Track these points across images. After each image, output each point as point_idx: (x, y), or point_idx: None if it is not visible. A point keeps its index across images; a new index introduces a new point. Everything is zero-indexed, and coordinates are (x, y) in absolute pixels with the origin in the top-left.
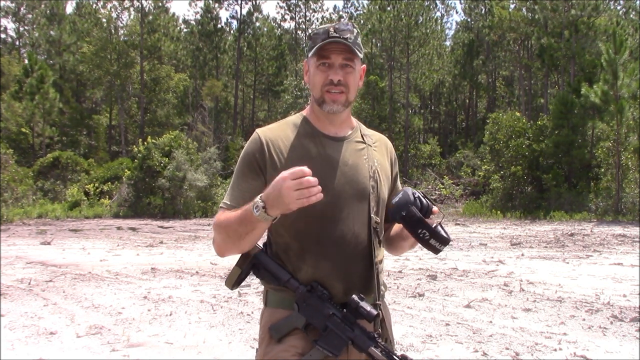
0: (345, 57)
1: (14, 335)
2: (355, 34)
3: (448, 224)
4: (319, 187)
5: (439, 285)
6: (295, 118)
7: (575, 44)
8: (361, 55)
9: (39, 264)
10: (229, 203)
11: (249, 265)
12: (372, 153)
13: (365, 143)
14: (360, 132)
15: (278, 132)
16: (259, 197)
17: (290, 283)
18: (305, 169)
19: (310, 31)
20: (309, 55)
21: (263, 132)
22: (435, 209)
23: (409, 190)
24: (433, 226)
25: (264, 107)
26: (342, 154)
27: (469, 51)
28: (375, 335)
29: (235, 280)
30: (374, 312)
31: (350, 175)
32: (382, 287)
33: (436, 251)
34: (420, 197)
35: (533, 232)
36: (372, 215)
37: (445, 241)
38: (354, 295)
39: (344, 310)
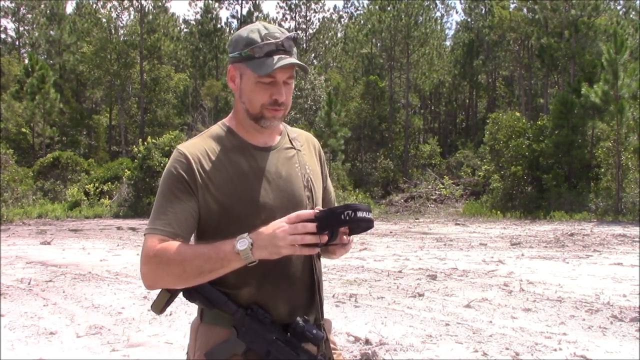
0: (290, 75)
1: (14, 335)
2: (293, 37)
3: (448, 224)
4: (317, 240)
5: (439, 285)
6: (218, 130)
7: (575, 44)
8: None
9: (39, 264)
10: (162, 229)
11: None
12: (303, 158)
13: (294, 149)
14: (288, 136)
15: (203, 148)
16: (245, 234)
17: (228, 306)
18: (302, 213)
19: (245, 34)
20: (247, 67)
21: (187, 150)
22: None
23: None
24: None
25: None
26: (275, 166)
27: (469, 51)
28: (321, 358)
29: (163, 304)
30: (321, 334)
31: (285, 187)
32: (323, 304)
33: (369, 222)
34: (325, 213)
35: (533, 232)
36: None
37: (366, 207)
38: (298, 319)
39: (288, 333)
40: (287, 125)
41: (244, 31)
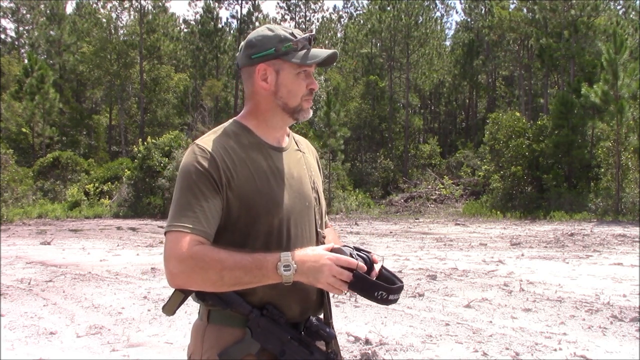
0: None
1: (14, 335)
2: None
3: (448, 224)
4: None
5: (439, 285)
6: (233, 127)
7: (574, 44)
8: None
9: (39, 264)
10: (193, 226)
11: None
12: (308, 161)
13: (300, 151)
14: (294, 139)
15: (222, 144)
16: (289, 256)
17: (243, 307)
18: (351, 262)
19: (270, 33)
20: (287, 60)
21: (209, 146)
22: (374, 257)
23: (346, 250)
24: (378, 273)
25: None
26: (288, 166)
27: (469, 51)
28: (332, 356)
29: (176, 306)
30: (333, 333)
31: (297, 188)
32: (331, 303)
33: (393, 302)
34: (358, 253)
35: (533, 232)
36: (318, 229)
37: (399, 289)
38: (311, 318)
39: (301, 332)
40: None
41: (266, 31)
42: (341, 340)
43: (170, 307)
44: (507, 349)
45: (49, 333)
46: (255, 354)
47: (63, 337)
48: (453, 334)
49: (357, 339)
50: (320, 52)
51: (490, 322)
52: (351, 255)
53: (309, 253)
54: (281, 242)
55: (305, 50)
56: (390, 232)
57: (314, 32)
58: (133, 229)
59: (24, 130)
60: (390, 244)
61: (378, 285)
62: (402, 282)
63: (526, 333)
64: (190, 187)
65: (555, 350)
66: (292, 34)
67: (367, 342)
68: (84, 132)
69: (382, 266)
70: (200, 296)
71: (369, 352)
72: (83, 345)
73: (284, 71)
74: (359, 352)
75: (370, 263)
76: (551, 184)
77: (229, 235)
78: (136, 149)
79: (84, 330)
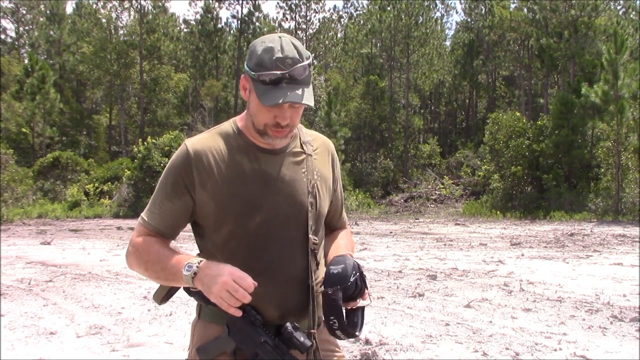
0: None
1: (14, 335)
2: (308, 64)
3: (448, 224)
4: (243, 300)
5: (439, 285)
6: (228, 128)
7: (575, 44)
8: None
9: (39, 264)
10: (147, 221)
11: None
12: (312, 163)
13: (305, 153)
14: (300, 139)
15: (209, 145)
16: (197, 261)
17: None
18: (252, 284)
19: (260, 50)
20: (255, 89)
21: (192, 145)
22: (366, 294)
23: (350, 267)
24: (355, 307)
25: None
26: (279, 169)
27: (469, 51)
28: None
29: (164, 295)
30: (308, 343)
31: (287, 192)
32: (319, 312)
33: (338, 338)
34: (358, 279)
35: (533, 232)
36: (310, 235)
37: (351, 334)
38: (287, 324)
39: (277, 337)
40: (302, 127)
41: (260, 45)
42: (341, 340)
43: (158, 295)
44: (507, 349)
45: (49, 333)
46: (230, 353)
47: (63, 337)
48: (453, 334)
49: (357, 339)
50: (285, 96)
51: (490, 322)
52: (353, 275)
53: (218, 265)
54: (258, 245)
55: (271, 87)
56: (390, 232)
57: (303, 63)
58: (133, 229)
59: (24, 130)
60: (390, 244)
61: (338, 313)
62: (358, 335)
63: (526, 333)
64: (161, 184)
65: (555, 350)
66: (275, 60)
67: (367, 342)
68: (84, 132)
69: (363, 308)
70: (186, 289)
71: (369, 352)
72: (83, 345)
73: (252, 95)
74: (359, 352)
75: (358, 293)
76: (551, 184)
77: (210, 234)
78: (136, 149)
79: (84, 330)
